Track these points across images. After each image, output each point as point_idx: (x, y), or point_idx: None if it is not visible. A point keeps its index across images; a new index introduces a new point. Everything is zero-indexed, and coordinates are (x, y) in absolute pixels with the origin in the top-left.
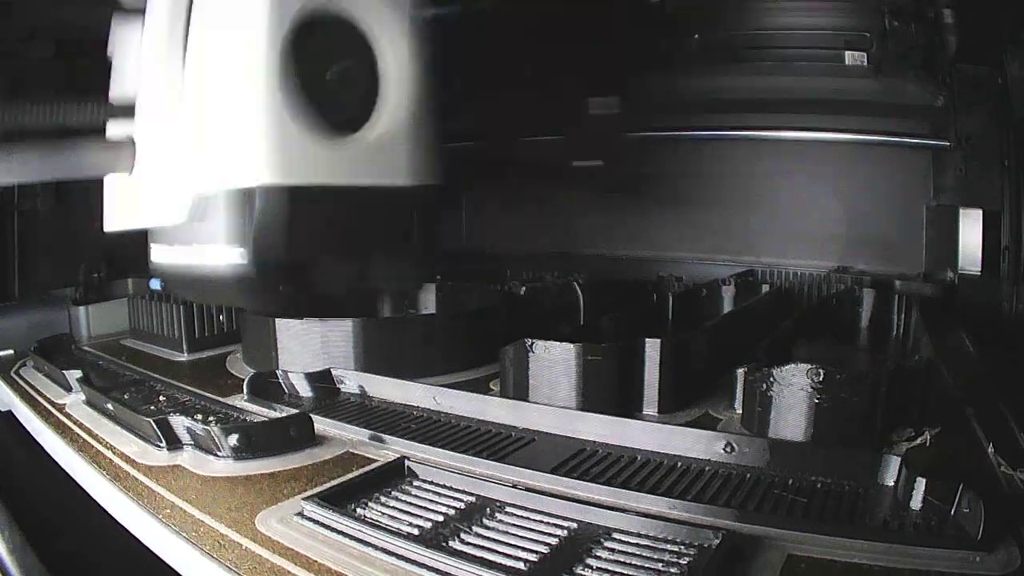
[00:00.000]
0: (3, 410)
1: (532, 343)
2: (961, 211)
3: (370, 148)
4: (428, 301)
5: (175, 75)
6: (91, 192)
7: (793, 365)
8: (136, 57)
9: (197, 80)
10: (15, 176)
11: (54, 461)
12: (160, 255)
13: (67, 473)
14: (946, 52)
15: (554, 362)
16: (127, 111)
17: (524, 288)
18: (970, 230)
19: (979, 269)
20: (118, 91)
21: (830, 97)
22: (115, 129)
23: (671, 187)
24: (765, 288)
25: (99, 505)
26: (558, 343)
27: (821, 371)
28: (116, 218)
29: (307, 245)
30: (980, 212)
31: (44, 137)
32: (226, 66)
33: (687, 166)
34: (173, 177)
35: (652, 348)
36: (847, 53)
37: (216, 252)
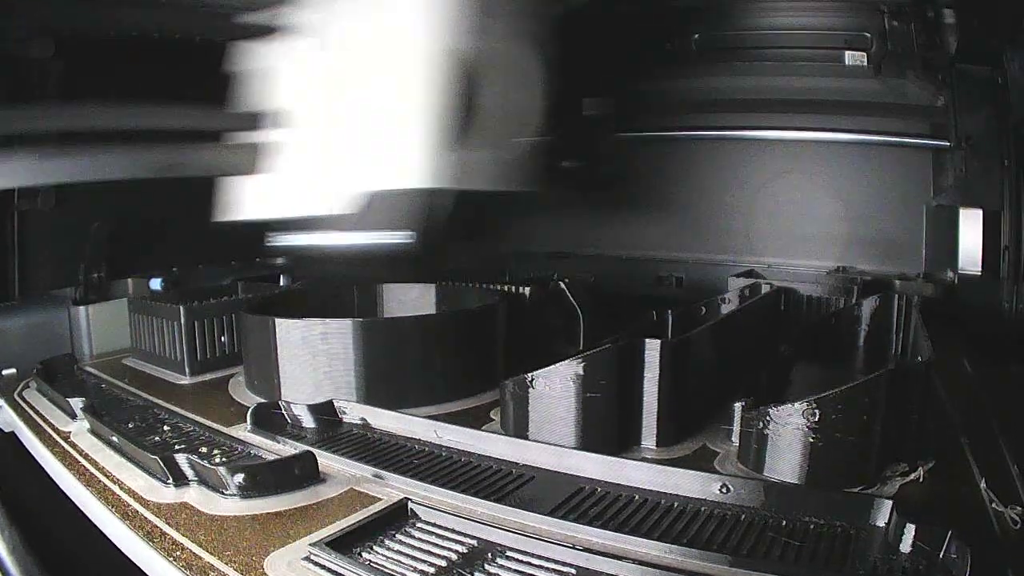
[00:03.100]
0: (7, 431)
1: (532, 378)
2: (961, 211)
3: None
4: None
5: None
6: (91, 192)
7: (789, 404)
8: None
9: (367, 100)
10: (140, 171)
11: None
12: (320, 240)
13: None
14: (946, 52)
15: (554, 397)
16: (258, 120)
17: (529, 290)
18: (970, 230)
19: (979, 269)
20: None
21: (830, 97)
22: (245, 135)
23: (671, 187)
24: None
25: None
26: (558, 376)
27: (817, 411)
28: (264, 208)
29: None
30: (980, 212)
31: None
32: (401, 95)
33: (686, 166)
34: (337, 178)
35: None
36: (847, 53)
37: (389, 236)
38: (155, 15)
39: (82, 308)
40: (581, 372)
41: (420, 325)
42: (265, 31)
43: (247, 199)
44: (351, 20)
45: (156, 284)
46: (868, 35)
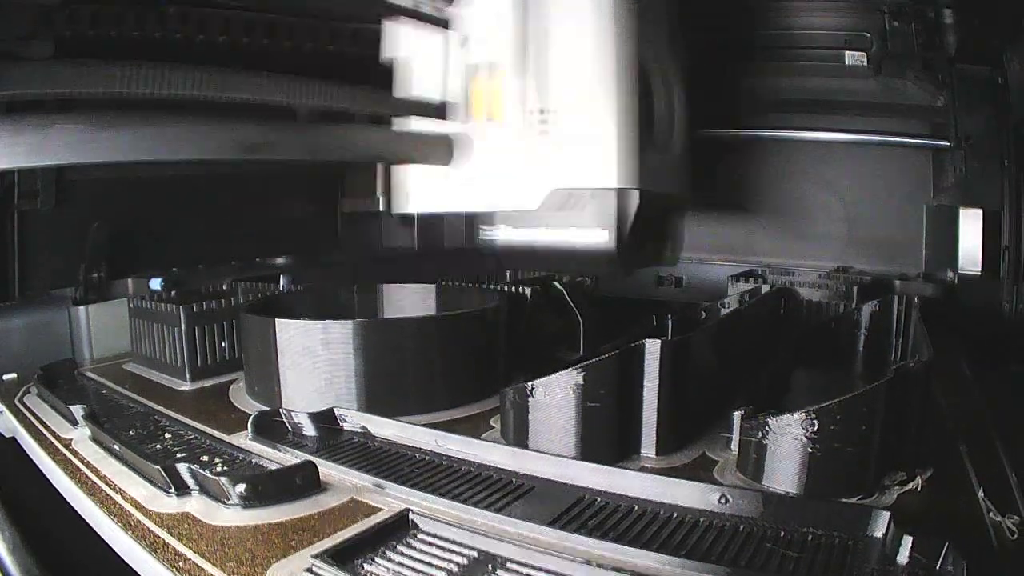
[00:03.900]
0: (8, 436)
1: (532, 387)
2: (961, 211)
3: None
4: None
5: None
6: (91, 192)
7: (788, 415)
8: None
9: (568, 113)
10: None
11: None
12: (509, 235)
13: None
14: (946, 52)
15: (554, 406)
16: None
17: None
18: (970, 230)
19: (979, 269)
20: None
21: (830, 97)
22: (434, 125)
23: None
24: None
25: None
26: (558, 385)
27: (816, 421)
28: (443, 202)
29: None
30: (980, 212)
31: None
32: (596, 103)
33: None
34: (530, 174)
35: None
36: (847, 53)
37: (585, 233)
38: None
39: (82, 308)
40: (581, 382)
41: (422, 326)
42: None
43: (418, 190)
44: (535, 19)
45: (156, 284)
46: (868, 35)
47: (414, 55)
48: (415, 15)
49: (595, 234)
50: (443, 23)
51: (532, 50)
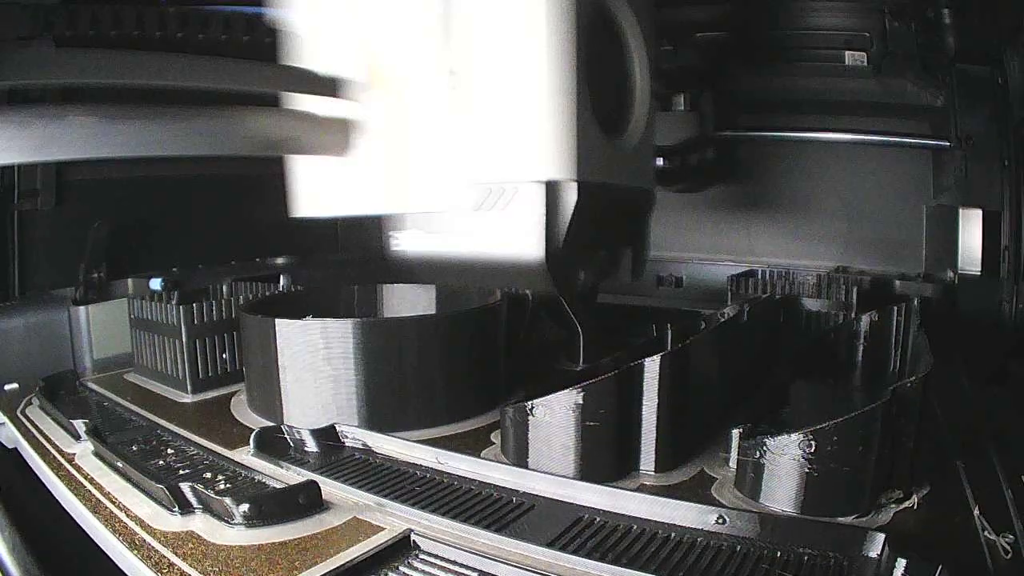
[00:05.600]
0: (10, 447)
1: (532, 406)
2: (961, 211)
3: (632, 152)
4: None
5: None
6: (91, 192)
7: (786, 435)
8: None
9: (486, 84)
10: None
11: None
12: (420, 242)
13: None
14: (946, 52)
15: (554, 425)
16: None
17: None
18: (970, 230)
19: (979, 269)
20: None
21: (830, 97)
22: (329, 108)
23: None
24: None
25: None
26: (558, 404)
27: (813, 442)
28: (353, 204)
29: (588, 235)
30: (980, 212)
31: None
32: (521, 71)
33: None
34: (449, 169)
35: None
36: (847, 53)
37: (517, 242)
38: None
39: (82, 308)
40: (581, 401)
41: (425, 324)
42: None
43: (326, 190)
44: None
45: (156, 284)
46: (868, 35)
47: (306, 19)
48: None
49: (521, 240)
50: None
51: (445, 6)
